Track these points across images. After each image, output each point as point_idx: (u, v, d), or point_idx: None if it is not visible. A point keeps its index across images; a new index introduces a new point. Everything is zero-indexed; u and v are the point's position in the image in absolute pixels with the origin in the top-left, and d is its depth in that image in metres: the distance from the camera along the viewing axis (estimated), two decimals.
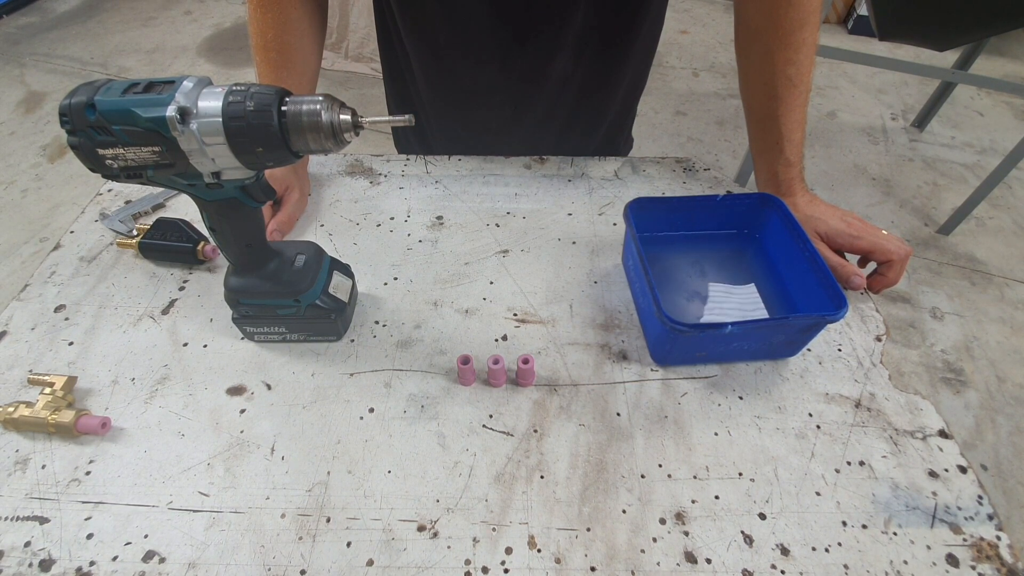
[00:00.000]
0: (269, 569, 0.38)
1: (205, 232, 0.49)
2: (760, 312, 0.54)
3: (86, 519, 0.41)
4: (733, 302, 0.54)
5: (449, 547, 0.40)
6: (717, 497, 0.42)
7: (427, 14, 0.62)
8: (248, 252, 0.46)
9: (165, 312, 0.54)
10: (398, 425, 0.46)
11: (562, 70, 0.66)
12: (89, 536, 0.40)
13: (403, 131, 0.84)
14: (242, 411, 0.47)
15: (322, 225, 0.63)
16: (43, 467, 0.43)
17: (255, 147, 0.36)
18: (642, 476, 0.43)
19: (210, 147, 0.36)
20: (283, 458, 0.44)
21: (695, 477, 0.43)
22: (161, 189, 0.65)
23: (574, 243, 0.62)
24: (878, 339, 0.53)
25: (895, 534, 0.40)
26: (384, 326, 0.53)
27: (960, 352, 1.49)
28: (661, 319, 0.44)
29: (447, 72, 0.67)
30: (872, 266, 0.57)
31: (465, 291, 0.56)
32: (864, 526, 0.41)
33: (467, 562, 0.39)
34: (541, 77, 0.67)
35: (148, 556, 0.39)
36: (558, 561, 0.39)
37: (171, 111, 0.34)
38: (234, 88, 0.35)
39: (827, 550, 0.40)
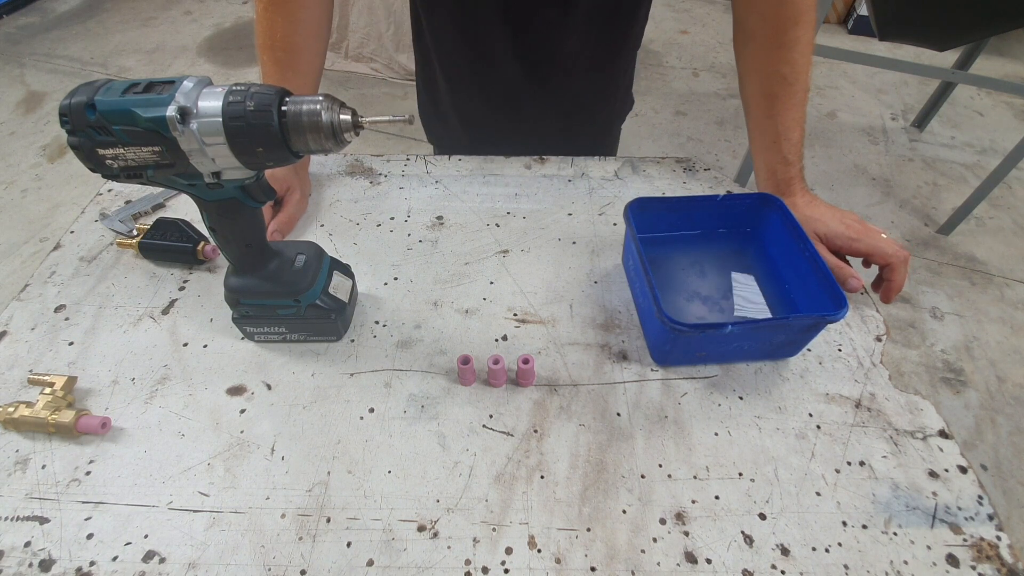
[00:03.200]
0: (269, 569, 0.38)
1: (205, 232, 0.49)
2: (761, 306, 0.54)
3: (86, 519, 0.41)
4: (744, 292, 0.55)
5: (449, 547, 0.40)
6: (717, 497, 0.42)
7: None
8: (248, 252, 0.46)
9: (165, 312, 0.54)
10: (398, 425, 0.46)
11: (571, 44, 0.68)
12: (89, 536, 0.40)
13: (427, 111, 0.85)
14: (242, 411, 0.47)
15: (322, 225, 0.63)
16: (43, 467, 0.43)
17: (255, 147, 0.36)
18: (642, 476, 0.43)
19: (210, 147, 0.36)
20: (283, 458, 0.44)
21: (695, 477, 0.43)
22: (161, 189, 0.65)
23: (574, 243, 0.62)
24: (878, 339, 0.53)
25: (895, 534, 0.40)
26: (384, 326, 0.53)
27: (960, 352, 1.49)
28: (661, 319, 0.44)
29: (459, 35, 0.69)
30: (875, 269, 0.56)
31: (465, 291, 0.56)
32: (864, 526, 0.41)
33: (467, 562, 0.39)
34: (551, 45, 0.68)
35: (148, 556, 0.39)
36: (558, 561, 0.39)
37: (171, 111, 0.34)
38: (234, 88, 0.35)
39: (827, 550, 0.40)
